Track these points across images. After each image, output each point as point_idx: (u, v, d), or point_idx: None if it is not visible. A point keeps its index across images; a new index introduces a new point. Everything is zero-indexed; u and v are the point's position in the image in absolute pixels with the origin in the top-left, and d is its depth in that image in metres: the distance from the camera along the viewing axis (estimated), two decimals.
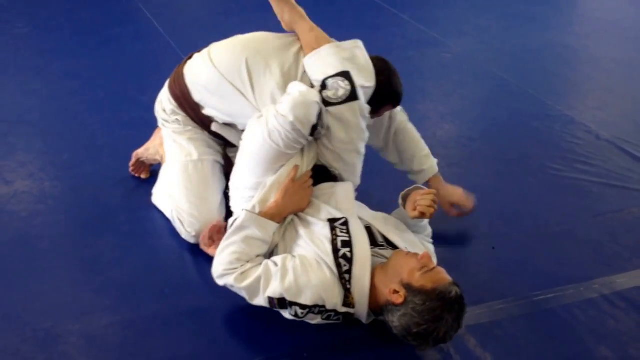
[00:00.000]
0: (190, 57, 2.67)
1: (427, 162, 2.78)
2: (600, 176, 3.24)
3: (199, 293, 2.40)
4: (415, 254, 2.16)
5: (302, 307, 2.09)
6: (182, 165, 2.62)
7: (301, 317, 2.14)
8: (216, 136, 2.67)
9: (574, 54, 4.94)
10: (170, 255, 2.57)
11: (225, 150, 2.75)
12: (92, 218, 2.75)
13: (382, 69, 2.45)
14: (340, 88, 2.31)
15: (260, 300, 2.16)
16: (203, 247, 2.53)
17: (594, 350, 2.24)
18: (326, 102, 2.29)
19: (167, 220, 2.71)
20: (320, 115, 2.28)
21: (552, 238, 2.80)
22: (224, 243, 2.23)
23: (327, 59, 2.38)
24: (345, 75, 2.32)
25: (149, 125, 3.06)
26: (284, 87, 2.38)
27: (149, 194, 2.85)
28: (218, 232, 2.50)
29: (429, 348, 2.12)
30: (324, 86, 2.31)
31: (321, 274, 2.11)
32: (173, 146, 2.68)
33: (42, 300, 2.32)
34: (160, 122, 2.78)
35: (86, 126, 3.43)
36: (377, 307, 2.15)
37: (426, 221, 2.51)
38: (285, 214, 2.31)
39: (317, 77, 2.37)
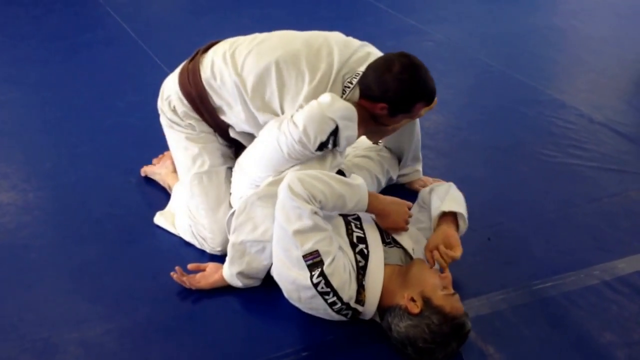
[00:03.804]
0: (205, 51, 2.59)
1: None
2: (595, 160, 3.33)
3: (192, 297, 2.46)
4: (437, 271, 2.26)
5: (328, 284, 2.10)
6: (196, 177, 2.61)
7: (310, 298, 2.14)
8: (230, 140, 2.66)
9: (562, 35, 5.03)
10: (159, 260, 2.62)
11: (238, 153, 2.68)
12: (79, 226, 2.82)
13: (406, 65, 2.34)
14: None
15: (300, 239, 2.11)
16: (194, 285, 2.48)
17: (598, 337, 2.31)
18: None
19: (154, 225, 2.80)
20: (335, 133, 2.31)
21: (548, 225, 2.87)
22: (321, 172, 2.25)
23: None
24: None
25: (129, 131, 3.15)
26: (313, 98, 2.38)
27: (134, 200, 2.95)
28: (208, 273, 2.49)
29: None
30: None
31: (348, 265, 2.17)
32: (184, 155, 2.65)
33: (37, 311, 2.40)
34: (166, 122, 2.70)
35: (65, 134, 3.51)
36: (383, 306, 2.21)
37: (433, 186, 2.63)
38: (380, 211, 2.36)
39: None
